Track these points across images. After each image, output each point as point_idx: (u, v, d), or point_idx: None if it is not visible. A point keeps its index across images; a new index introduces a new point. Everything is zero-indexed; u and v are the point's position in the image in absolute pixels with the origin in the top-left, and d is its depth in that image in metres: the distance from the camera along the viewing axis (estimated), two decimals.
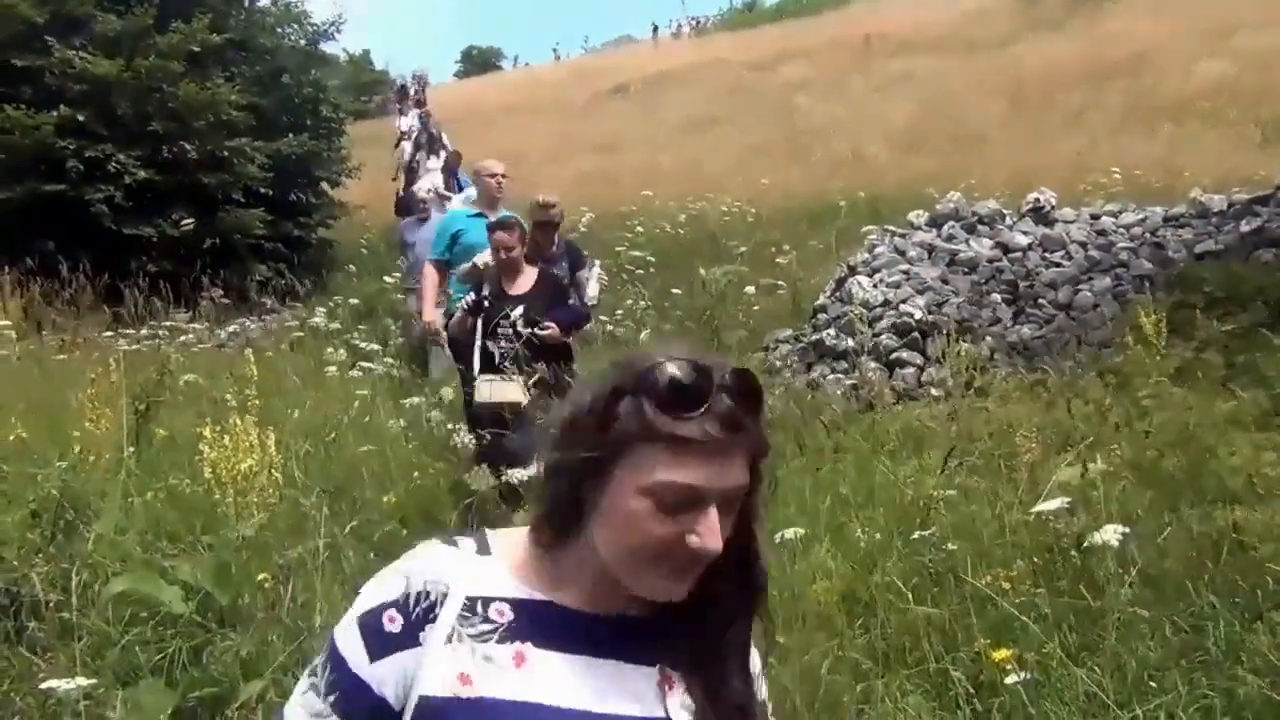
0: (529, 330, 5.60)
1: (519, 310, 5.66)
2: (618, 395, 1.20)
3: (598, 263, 6.88)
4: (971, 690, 3.15)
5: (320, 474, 5.05)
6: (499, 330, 5.68)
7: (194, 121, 14.04)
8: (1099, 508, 3.85)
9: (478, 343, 5.70)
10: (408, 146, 15.20)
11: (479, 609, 1.22)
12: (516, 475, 4.51)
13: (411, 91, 18.89)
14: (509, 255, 5.73)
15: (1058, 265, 9.11)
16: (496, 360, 5.61)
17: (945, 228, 9.68)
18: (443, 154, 14.24)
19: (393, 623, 1.21)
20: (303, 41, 17.42)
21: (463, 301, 5.88)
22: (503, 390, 5.47)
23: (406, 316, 10.44)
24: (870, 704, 3.23)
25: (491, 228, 5.91)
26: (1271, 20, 19.88)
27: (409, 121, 17.61)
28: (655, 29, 49.53)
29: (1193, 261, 8.53)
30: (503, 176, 7.32)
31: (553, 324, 5.66)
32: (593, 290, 6.84)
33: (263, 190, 14.93)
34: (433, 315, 7.15)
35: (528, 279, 5.82)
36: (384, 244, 15.45)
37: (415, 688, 1.19)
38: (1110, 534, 3.30)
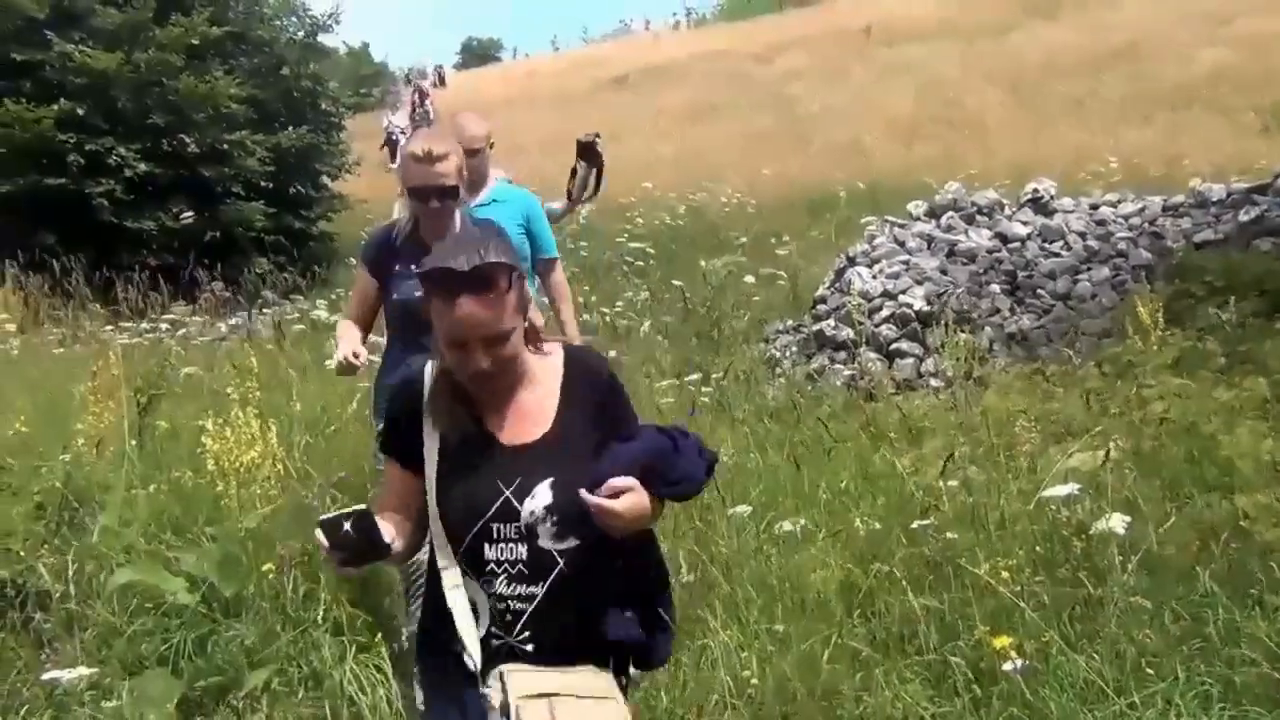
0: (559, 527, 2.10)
1: (543, 494, 2.08)
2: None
3: None
4: (970, 678, 3.17)
5: (321, 466, 5.07)
6: (487, 548, 2.10)
7: (194, 114, 14.05)
8: (1103, 496, 3.87)
9: (451, 591, 2.10)
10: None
11: None
12: None
13: (412, 90, 18.87)
14: (500, 359, 2.06)
15: (1057, 255, 9.11)
16: (489, 627, 2.12)
17: (944, 218, 9.67)
18: None
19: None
20: (301, 34, 17.40)
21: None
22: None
23: None
24: (870, 692, 3.25)
25: (433, 281, 2.07)
26: (1271, 6, 19.84)
27: (401, 120, 17.60)
28: (624, 23, 49.44)
29: (1192, 251, 8.52)
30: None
31: (627, 481, 2.04)
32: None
33: (263, 183, 14.95)
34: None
35: (539, 394, 2.17)
36: None
37: None
38: (1117, 522, 3.33)
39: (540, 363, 2.17)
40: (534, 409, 2.14)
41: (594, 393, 2.18)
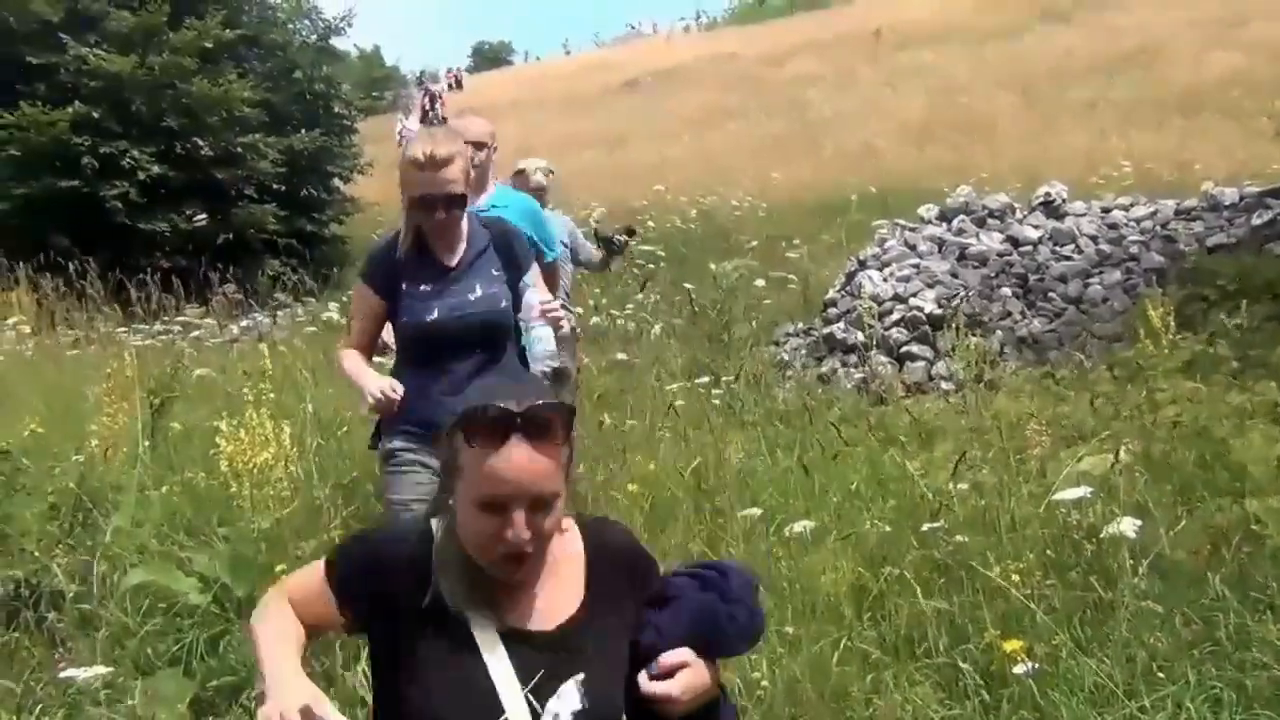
0: None
1: (570, 695, 1.64)
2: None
3: (532, 276, 3.47)
4: (981, 681, 3.17)
5: (333, 467, 5.09)
6: None
7: (207, 117, 14.14)
8: (1114, 499, 3.86)
9: None
10: None
11: None
12: None
13: (423, 93, 18.99)
14: (540, 531, 1.64)
15: (1068, 259, 9.10)
16: None
17: (955, 222, 9.67)
18: None
19: None
20: (314, 37, 17.49)
21: None
22: None
23: None
24: (880, 694, 3.25)
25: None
26: None
27: (414, 124, 17.69)
28: (632, 27, 49.54)
29: (1204, 255, 8.51)
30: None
31: (680, 655, 1.71)
32: (542, 347, 3.30)
33: (275, 186, 15.05)
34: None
35: (560, 578, 1.75)
36: None
37: None
38: (1128, 525, 3.32)
39: (558, 542, 1.72)
40: (554, 596, 1.72)
41: (623, 572, 1.79)
